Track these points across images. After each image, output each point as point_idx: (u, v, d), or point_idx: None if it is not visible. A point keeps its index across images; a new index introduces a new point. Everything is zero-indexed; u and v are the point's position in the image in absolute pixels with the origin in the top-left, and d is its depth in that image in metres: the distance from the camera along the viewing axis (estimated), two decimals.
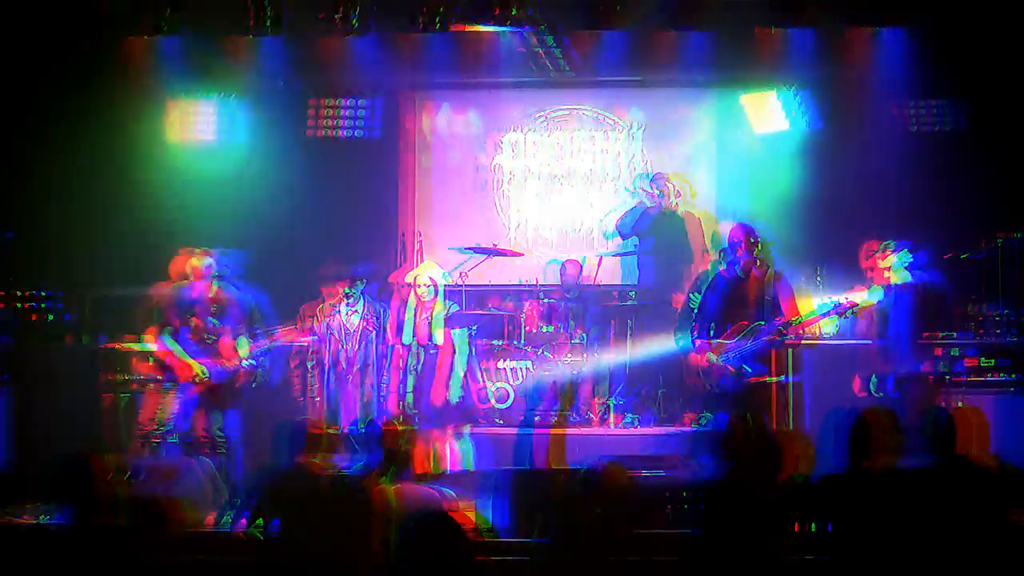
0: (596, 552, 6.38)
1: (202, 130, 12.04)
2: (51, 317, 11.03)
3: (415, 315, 9.81)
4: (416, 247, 11.82)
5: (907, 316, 9.05)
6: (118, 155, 11.63)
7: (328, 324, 9.88)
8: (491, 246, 11.35)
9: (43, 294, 11.00)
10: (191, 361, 9.33)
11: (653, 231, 10.94)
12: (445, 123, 12.92)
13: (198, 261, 9.50)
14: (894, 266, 9.10)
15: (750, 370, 8.60)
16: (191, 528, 8.35)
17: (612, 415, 10.91)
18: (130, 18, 10.52)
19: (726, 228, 9.94)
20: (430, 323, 9.82)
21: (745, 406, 8.53)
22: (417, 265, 11.24)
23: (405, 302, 9.93)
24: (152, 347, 9.44)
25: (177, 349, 9.36)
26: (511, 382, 10.86)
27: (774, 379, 8.71)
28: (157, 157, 11.90)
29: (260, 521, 7.05)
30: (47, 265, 11.28)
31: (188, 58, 11.61)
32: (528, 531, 7.81)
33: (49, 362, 10.49)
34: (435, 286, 9.89)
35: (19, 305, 10.92)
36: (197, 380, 9.36)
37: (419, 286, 9.85)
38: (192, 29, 11.07)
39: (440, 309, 9.88)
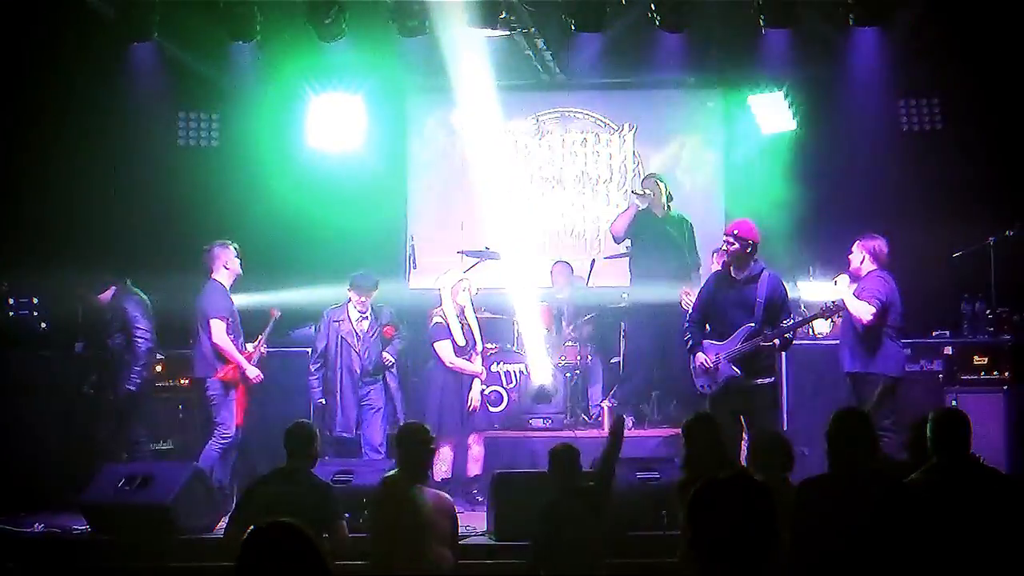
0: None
1: (206, 136, 12.04)
2: (44, 325, 11.01)
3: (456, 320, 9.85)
4: (409, 251, 11.80)
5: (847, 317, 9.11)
6: (114, 160, 11.62)
7: (338, 330, 9.91)
8: (483, 249, 11.34)
9: (34, 300, 10.99)
10: (243, 359, 9.48)
11: (647, 233, 10.92)
12: (436, 127, 12.93)
13: (236, 251, 9.62)
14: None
15: (739, 372, 8.58)
16: (189, 534, 8.40)
17: (606, 417, 10.91)
18: (121, 23, 10.49)
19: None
20: (471, 328, 9.89)
21: (737, 408, 8.54)
22: (415, 268, 11.25)
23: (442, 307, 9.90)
24: (218, 341, 9.44)
25: (230, 345, 9.48)
26: (505, 386, 10.87)
27: (763, 381, 8.68)
28: (156, 161, 11.90)
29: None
30: (40, 270, 11.25)
31: (184, 65, 11.63)
32: (519, 534, 7.83)
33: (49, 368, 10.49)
34: (469, 292, 9.93)
35: (11, 313, 10.90)
36: (254, 378, 9.54)
37: (459, 292, 9.83)
38: (182, 36, 11.08)
39: (472, 314, 9.94)
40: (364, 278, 10.05)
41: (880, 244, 9.08)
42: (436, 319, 9.84)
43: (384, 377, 10.13)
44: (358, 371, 9.91)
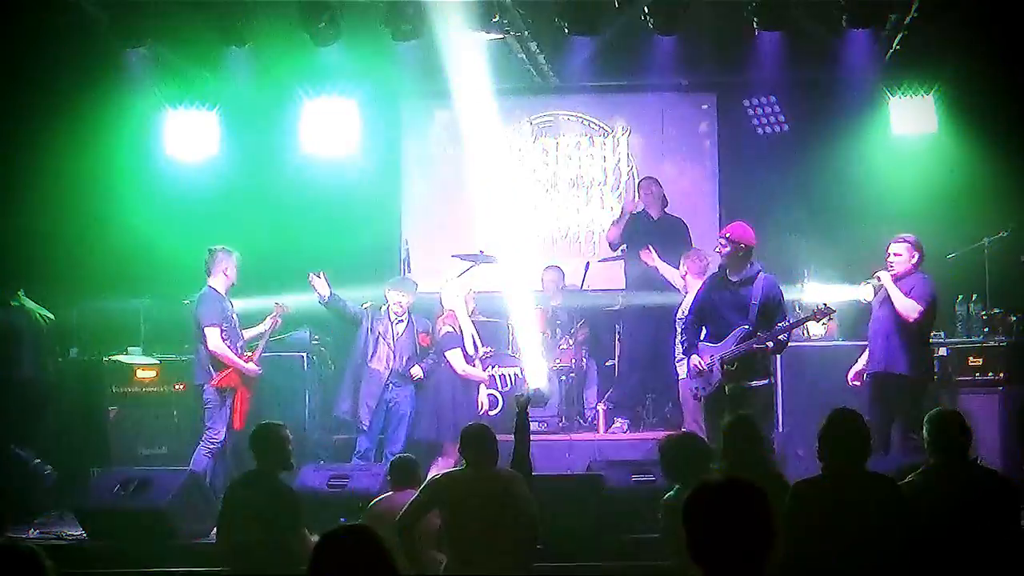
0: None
1: (195, 141, 12.04)
2: None
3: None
4: (403, 255, 11.78)
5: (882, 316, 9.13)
6: (107, 166, 11.60)
7: (375, 327, 10.03)
8: (478, 252, 11.33)
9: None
10: (240, 361, 9.53)
11: (641, 236, 10.92)
12: (430, 130, 12.92)
13: (237, 260, 9.66)
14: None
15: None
16: (185, 539, 8.39)
17: (601, 420, 10.91)
18: (113, 29, 10.46)
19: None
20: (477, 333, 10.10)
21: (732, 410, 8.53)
22: (410, 272, 11.26)
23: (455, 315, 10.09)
24: (214, 348, 9.46)
25: (227, 350, 9.50)
26: (500, 389, 10.86)
27: (758, 383, 8.67)
28: (149, 168, 11.88)
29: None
30: (31, 277, 11.22)
31: (178, 70, 11.62)
32: None
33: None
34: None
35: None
36: (252, 372, 9.61)
37: (470, 300, 10.07)
38: (173, 42, 11.07)
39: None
40: (406, 281, 10.32)
41: (916, 240, 9.15)
42: (447, 328, 9.91)
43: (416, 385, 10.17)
44: (386, 371, 9.96)
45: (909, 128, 11.54)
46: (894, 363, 8.97)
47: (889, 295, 8.97)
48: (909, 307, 8.89)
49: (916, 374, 8.95)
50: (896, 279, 9.03)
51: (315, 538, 3.87)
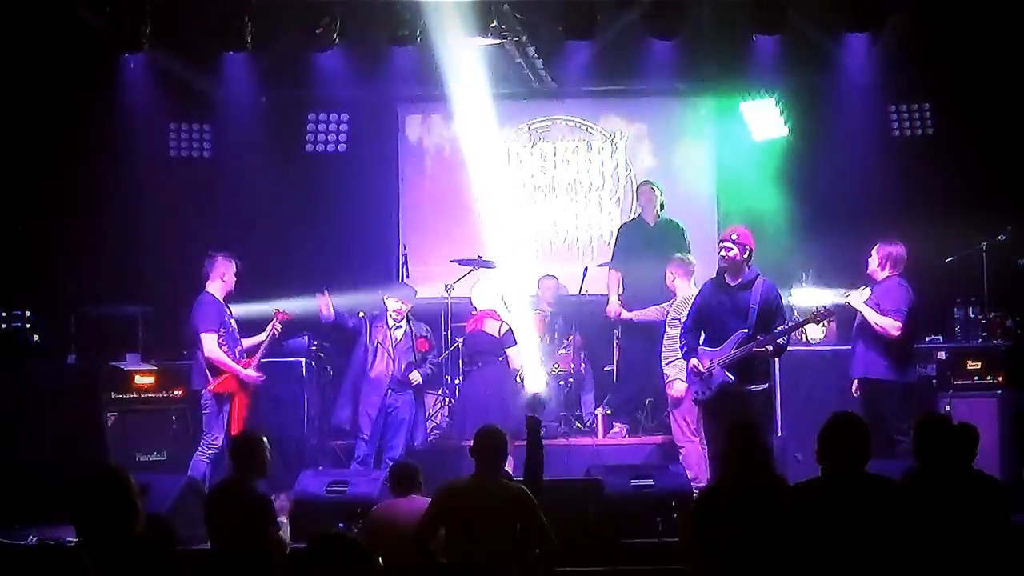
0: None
1: (198, 146, 12.03)
2: (36, 336, 10.98)
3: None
4: (402, 261, 11.78)
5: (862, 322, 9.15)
6: (112, 170, 11.61)
7: (374, 334, 10.04)
8: (476, 258, 11.33)
9: (27, 313, 10.95)
10: (239, 367, 9.49)
11: (637, 241, 10.92)
12: (428, 136, 12.92)
13: (237, 267, 9.66)
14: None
15: (733, 378, 8.56)
16: (183, 545, 8.37)
17: (600, 425, 10.91)
18: (111, 34, 10.46)
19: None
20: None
21: (731, 414, 8.51)
22: (408, 277, 11.27)
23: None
24: (210, 354, 9.42)
25: (223, 356, 9.46)
26: None
27: (757, 387, 8.65)
28: (150, 173, 11.88)
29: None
30: (28, 283, 11.22)
31: (177, 74, 11.61)
32: None
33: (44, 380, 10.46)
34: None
35: (3, 325, 10.86)
36: (254, 379, 9.58)
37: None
38: (173, 46, 11.06)
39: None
40: (404, 287, 10.39)
41: (900, 249, 9.16)
42: (508, 325, 10.17)
43: (414, 390, 10.17)
44: (386, 378, 9.97)
45: (906, 131, 11.56)
46: (872, 368, 9.02)
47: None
48: (887, 325, 8.93)
49: (894, 378, 8.97)
50: (870, 282, 9.10)
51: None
